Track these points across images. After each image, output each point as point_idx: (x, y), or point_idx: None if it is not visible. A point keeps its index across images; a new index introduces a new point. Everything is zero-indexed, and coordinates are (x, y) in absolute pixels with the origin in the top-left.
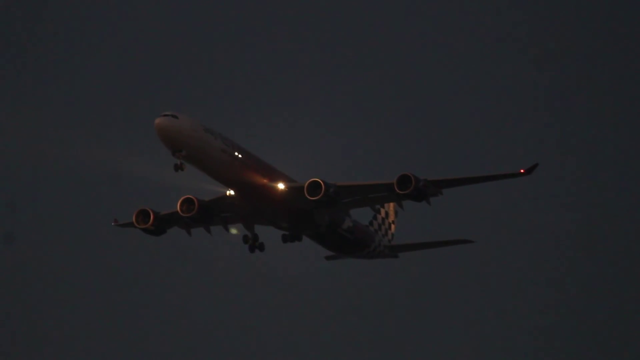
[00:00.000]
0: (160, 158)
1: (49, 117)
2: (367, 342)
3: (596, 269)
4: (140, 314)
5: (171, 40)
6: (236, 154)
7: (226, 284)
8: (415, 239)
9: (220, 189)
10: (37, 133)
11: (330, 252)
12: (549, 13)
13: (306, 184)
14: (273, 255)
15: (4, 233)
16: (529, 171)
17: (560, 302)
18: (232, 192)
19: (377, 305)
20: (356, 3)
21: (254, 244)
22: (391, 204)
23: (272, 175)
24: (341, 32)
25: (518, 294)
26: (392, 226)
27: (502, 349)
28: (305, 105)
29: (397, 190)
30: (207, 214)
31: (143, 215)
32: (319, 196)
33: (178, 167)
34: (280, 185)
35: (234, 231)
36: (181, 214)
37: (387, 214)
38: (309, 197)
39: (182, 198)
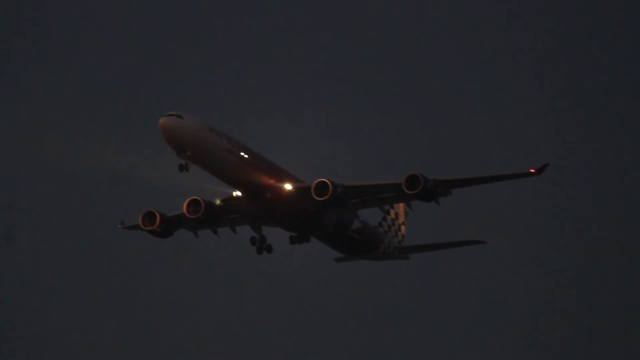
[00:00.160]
0: (165, 158)
1: (53, 119)
2: (375, 345)
3: (608, 270)
4: (147, 316)
5: (176, 41)
6: (242, 154)
7: (234, 286)
8: (425, 240)
9: (227, 190)
10: (40, 134)
11: (339, 253)
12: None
13: (313, 185)
14: (281, 256)
15: (5, 233)
16: (539, 171)
17: (571, 303)
18: (238, 193)
19: (386, 307)
20: (363, 3)
21: (261, 246)
22: (401, 205)
23: (279, 175)
24: (349, 32)
25: (529, 294)
26: (402, 227)
27: (512, 350)
28: (312, 104)
29: (406, 190)
30: (214, 215)
31: (149, 217)
32: (327, 197)
33: (183, 168)
34: (287, 186)
35: (217, 201)
36: (187, 215)
37: (397, 215)
38: (316, 197)
39: (189, 199)
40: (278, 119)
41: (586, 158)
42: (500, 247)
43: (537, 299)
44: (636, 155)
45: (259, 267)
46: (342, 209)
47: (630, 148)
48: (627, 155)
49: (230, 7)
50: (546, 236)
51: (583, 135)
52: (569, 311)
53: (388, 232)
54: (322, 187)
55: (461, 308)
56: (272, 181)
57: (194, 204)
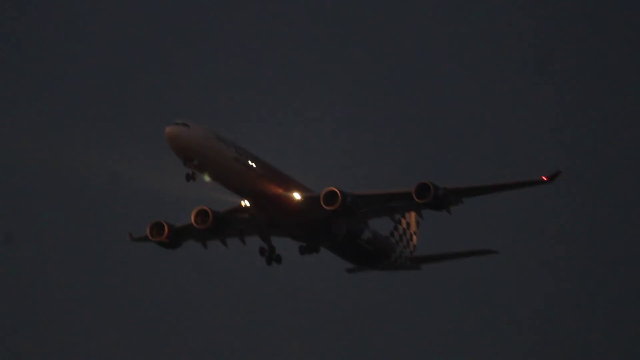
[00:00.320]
0: (171, 167)
1: (55, 124)
2: (386, 356)
3: (624, 279)
4: (155, 325)
5: (181, 46)
6: (250, 162)
7: (243, 296)
8: (438, 250)
9: (235, 199)
10: (40, 137)
11: (349, 263)
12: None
13: (322, 194)
14: (290, 267)
15: (6, 234)
16: (551, 179)
17: (585, 312)
18: (246, 203)
19: (397, 318)
20: (369, 5)
21: (270, 256)
22: (412, 215)
23: (287, 184)
24: (354, 38)
25: (541, 305)
26: (414, 237)
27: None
28: (321, 112)
29: (416, 199)
30: (222, 225)
31: (157, 227)
32: (336, 206)
33: (190, 177)
34: (296, 195)
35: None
36: (195, 225)
37: (408, 224)
38: (325, 207)
39: (197, 209)
40: (286, 125)
41: (600, 163)
42: (513, 256)
43: (549, 308)
44: None
45: (269, 277)
46: (352, 218)
47: None
48: None
49: (236, 11)
50: (559, 244)
51: (596, 140)
52: (583, 320)
53: (400, 242)
54: (331, 197)
55: (472, 318)
56: (280, 190)
57: (202, 214)
